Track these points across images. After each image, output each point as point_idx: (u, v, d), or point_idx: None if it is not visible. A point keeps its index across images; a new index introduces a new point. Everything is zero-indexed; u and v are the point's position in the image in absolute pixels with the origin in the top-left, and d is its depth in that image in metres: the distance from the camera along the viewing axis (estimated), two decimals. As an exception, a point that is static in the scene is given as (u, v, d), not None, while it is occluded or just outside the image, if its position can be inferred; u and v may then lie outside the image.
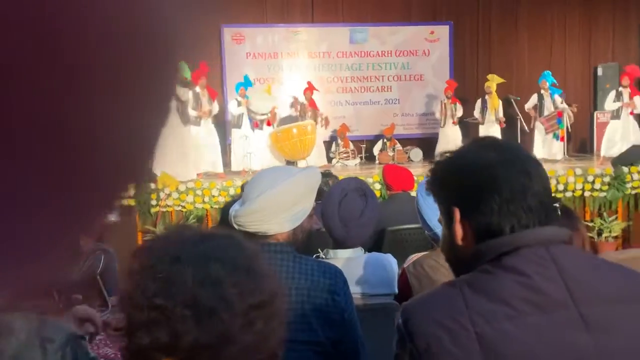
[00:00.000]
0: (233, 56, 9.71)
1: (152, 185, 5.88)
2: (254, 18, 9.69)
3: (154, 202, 5.81)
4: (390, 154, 9.56)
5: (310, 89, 9.22)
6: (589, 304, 0.88)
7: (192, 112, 7.48)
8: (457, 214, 0.97)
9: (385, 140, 9.69)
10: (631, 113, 8.17)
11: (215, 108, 7.83)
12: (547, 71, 8.82)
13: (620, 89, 8.17)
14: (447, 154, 1.06)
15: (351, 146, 9.65)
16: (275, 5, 9.80)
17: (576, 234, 1.66)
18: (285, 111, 9.83)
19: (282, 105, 9.74)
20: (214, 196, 5.76)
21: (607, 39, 10.43)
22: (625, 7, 10.35)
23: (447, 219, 1.00)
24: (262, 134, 8.42)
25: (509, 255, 0.90)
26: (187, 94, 7.10)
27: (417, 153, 9.85)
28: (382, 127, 9.94)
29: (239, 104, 8.07)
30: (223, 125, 8.56)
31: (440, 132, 9.39)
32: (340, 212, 2.23)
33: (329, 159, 9.51)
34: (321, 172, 4.05)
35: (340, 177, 6.41)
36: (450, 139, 9.11)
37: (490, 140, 1.07)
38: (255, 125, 8.07)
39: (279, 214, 1.52)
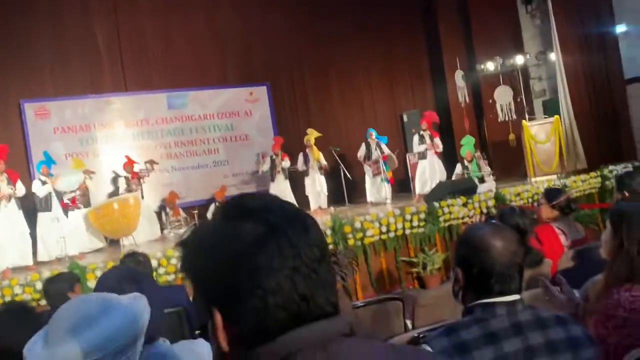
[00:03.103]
0: (38, 133, 8.84)
1: None
2: (59, 91, 8.99)
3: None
4: (225, 216, 9.34)
5: (129, 162, 8.73)
6: None
7: None
8: (218, 318, 0.77)
9: (217, 203, 9.47)
10: (435, 153, 9.09)
11: (20, 191, 6.92)
12: (371, 128, 9.51)
13: (422, 132, 9.08)
14: (195, 229, 0.84)
15: (182, 214, 9.26)
16: (83, 76, 9.22)
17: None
18: (107, 186, 9.16)
19: (102, 180, 9.07)
20: (17, 295, 4.96)
21: (407, 88, 11.63)
22: (418, 59, 11.68)
23: (210, 322, 0.79)
24: (77, 214, 7.67)
25: None
26: None
27: (252, 212, 9.76)
28: (213, 190, 9.73)
29: (44, 183, 7.26)
30: (33, 210, 7.54)
31: (272, 187, 9.46)
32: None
33: (162, 230, 9.00)
34: (126, 253, 3.73)
35: (168, 251, 6.07)
36: (283, 192, 9.28)
37: (252, 203, 0.80)
38: (63, 205, 7.29)
39: None
